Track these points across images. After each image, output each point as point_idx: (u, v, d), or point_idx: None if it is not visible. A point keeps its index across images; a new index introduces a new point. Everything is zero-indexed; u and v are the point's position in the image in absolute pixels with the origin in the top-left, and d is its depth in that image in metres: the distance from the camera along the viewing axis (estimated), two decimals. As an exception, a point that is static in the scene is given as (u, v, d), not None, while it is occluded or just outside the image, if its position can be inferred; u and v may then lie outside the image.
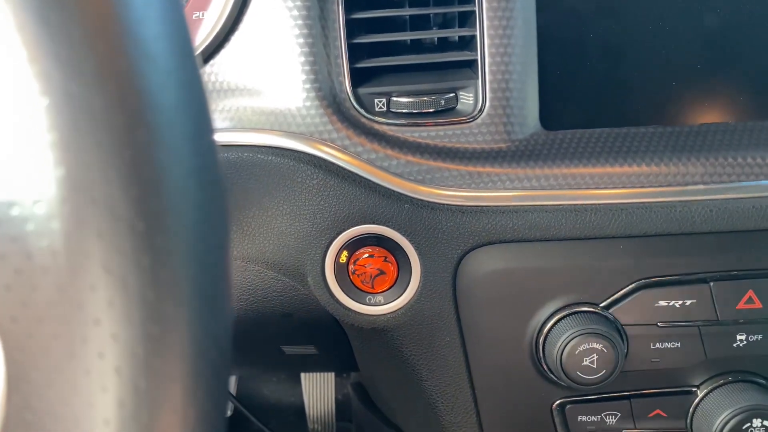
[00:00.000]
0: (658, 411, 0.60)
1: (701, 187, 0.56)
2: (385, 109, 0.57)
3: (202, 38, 0.58)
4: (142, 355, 0.23)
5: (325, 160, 0.56)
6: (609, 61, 0.58)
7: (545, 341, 0.57)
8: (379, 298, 0.59)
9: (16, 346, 0.23)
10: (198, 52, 0.58)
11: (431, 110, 0.57)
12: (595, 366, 0.55)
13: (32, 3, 0.21)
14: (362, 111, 0.57)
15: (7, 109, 0.22)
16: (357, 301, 0.59)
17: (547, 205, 0.56)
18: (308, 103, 0.56)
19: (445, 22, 0.60)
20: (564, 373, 0.55)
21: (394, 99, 0.57)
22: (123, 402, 0.23)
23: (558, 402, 0.61)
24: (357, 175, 0.56)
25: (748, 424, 0.55)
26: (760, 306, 0.56)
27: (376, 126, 0.57)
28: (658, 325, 0.57)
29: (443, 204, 0.56)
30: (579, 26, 0.58)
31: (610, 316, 0.57)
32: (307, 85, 0.56)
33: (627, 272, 0.57)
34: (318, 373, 1.06)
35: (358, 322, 0.60)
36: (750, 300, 0.56)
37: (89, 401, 0.23)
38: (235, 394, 1.10)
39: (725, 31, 0.58)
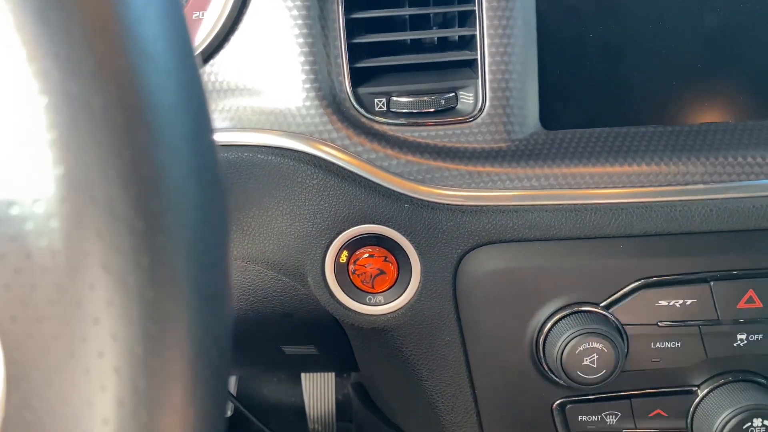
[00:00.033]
0: (658, 411, 0.60)
1: (701, 186, 0.56)
2: (385, 108, 0.57)
3: (201, 38, 0.58)
4: (142, 355, 0.23)
5: (325, 160, 0.56)
6: (609, 61, 0.58)
7: (545, 341, 0.57)
8: (379, 297, 0.59)
9: (15, 346, 0.23)
10: (198, 52, 0.58)
11: (431, 110, 0.57)
12: (595, 366, 0.55)
13: (32, 2, 0.21)
14: (362, 111, 0.57)
15: (7, 108, 0.22)
16: (357, 301, 0.59)
17: (547, 205, 0.56)
18: (308, 103, 0.56)
19: (445, 22, 0.60)
20: (564, 372, 0.55)
21: (394, 99, 0.57)
22: (122, 401, 0.23)
23: (558, 402, 0.60)
24: (357, 174, 0.56)
25: (749, 424, 0.55)
26: (761, 305, 0.56)
27: (376, 126, 0.57)
28: (658, 325, 0.57)
29: (443, 204, 0.56)
30: (579, 26, 0.58)
31: (610, 316, 0.57)
32: (307, 85, 0.56)
33: (627, 272, 0.57)
34: (318, 374, 1.06)
35: (358, 322, 0.60)
36: (750, 299, 0.56)
37: (89, 400, 0.23)
38: (235, 394, 1.10)
39: (725, 31, 0.58)
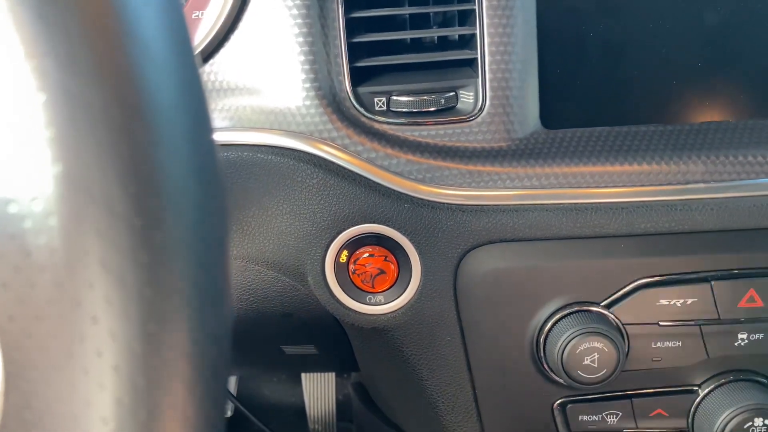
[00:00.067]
0: (659, 410, 0.60)
1: (702, 185, 0.56)
2: (385, 108, 0.57)
3: (201, 37, 0.58)
4: (141, 354, 0.23)
5: (324, 160, 0.56)
6: (609, 60, 0.58)
7: (546, 340, 0.57)
8: (380, 297, 0.59)
9: (14, 345, 0.23)
10: (197, 51, 0.58)
11: (431, 109, 0.57)
12: (596, 365, 0.55)
13: None
14: (362, 110, 0.57)
15: (5, 106, 0.22)
16: (357, 301, 0.59)
17: (547, 204, 0.56)
18: (308, 102, 0.56)
19: (445, 21, 0.60)
20: (565, 372, 0.55)
21: (394, 98, 0.57)
22: (121, 400, 0.23)
23: (559, 401, 0.60)
24: (357, 174, 0.56)
25: (750, 424, 0.55)
26: (762, 305, 0.56)
27: (376, 125, 0.57)
28: (659, 324, 0.57)
29: (443, 203, 0.56)
30: (579, 24, 0.58)
31: (611, 315, 0.57)
32: (307, 84, 0.56)
33: (628, 271, 0.57)
34: (318, 374, 1.06)
35: (358, 321, 0.60)
36: (751, 299, 0.56)
37: (87, 400, 0.23)
38: (235, 395, 1.10)
39: (726, 30, 0.58)
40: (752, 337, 0.57)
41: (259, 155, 0.57)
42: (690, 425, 0.59)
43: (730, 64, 0.58)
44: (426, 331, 0.60)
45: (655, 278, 0.56)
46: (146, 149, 0.23)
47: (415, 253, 0.57)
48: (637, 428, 0.60)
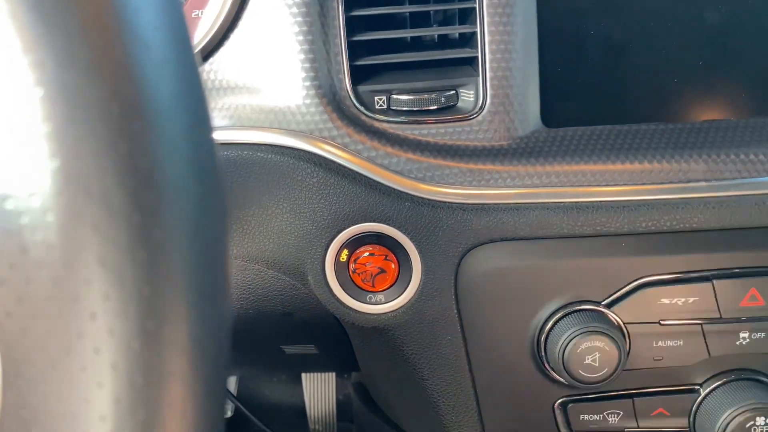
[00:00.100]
0: (660, 410, 0.59)
1: (703, 184, 0.56)
2: (385, 106, 0.57)
3: (201, 36, 0.58)
4: (139, 351, 0.23)
5: (325, 158, 0.56)
6: (610, 58, 0.58)
7: (547, 340, 0.57)
8: (380, 296, 0.59)
9: (11, 343, 0.23)
10: (197, 50, 0.58)
11: (432, 108, 0.57)
12: (597, 364, 0.55)
13: None
14: (362, 109, 0.57)
15: (2, 100, 0.21)
16: (357, 300, 0.59)
17: (548, 203, 0.56)
18: (308, 101, 0.56)
19: (446, 19, 0.60)
20: (566, 371, 0.55)
21: (395, 96, 0.57)
22: (119, 398, 0.23)
23: (560, 401, 0.60)
24: (357, 173, 0.56)
25: (752, 423, 0.55)
26: (763, 303, 0.56)
27: (377, 124, 0.57)
28: (660, 324, 0.57)
29: (444, 202, 0.56)
30: (580, 23, 0.58)
31: (612, 315, 0.56)
32: (307, 83, 0.56)
33: (629, 270, 0.56)
34: (319, 374, 1.06)
35: (358, 321, 0.60)
36: (753, 297, 0.56)
37: (85, 397, 0.23)
38: (235, 395, 1.10)
39: (727, 28, 0.58)
40: (754, 336, 0.57)
41: (259, 154, 0.57)
42: (691, 425, 0.59)
43: (731, 62, 0.58)
44: (426, 330, 0.60)
45: (657, 277, 0.56)
46: (145, 145, 0.22)
47: (416, 252, 0.57)
48: (638, 428, 0.60)
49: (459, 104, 0.57)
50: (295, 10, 0.56)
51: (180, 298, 0.23)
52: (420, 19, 0.59)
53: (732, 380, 0.58)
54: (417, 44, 0.59)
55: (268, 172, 0.57)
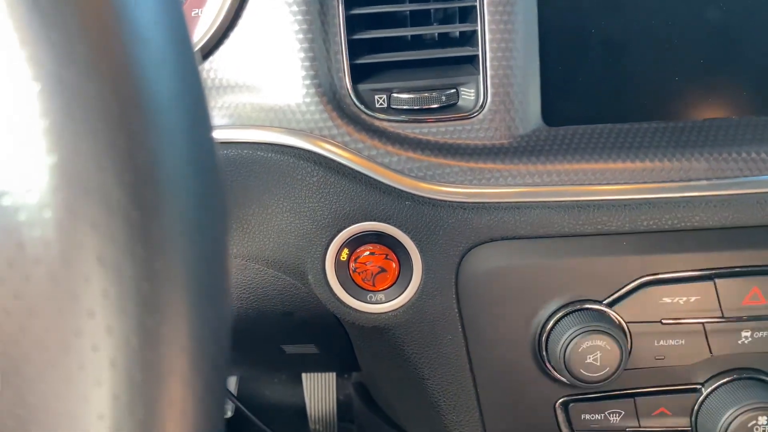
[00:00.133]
0: (662, 409, 0.59)
1: (705, 182, 0.55)
2: (385, 105, 0.57)
3: (200, 35, 0.58)
4: (138, 348, 0.22)
5: (325, 157, 0.56)
6: (611, 56, 0.58)
7: (548, 339, 0.57)
8: (381, 296, 0.58)
9: (7, 340, 0.23)
10: (196, 49, 0.58)
11: (432, 106, 0.57)
12: (598, 364, 0.55)
13: None
14: (362, 107, 0.57)
15: (-2, 95, 0.21)
16: (358, 299, 0.59)
17: (549, 202, 0.56)
18: (308, 100, 0.56)
19: (446, 18, 0.59)
20: (567, 370, 0.55)
21: (395, 95, 0.57)
22: (118, 396, 0.22)
23: (561, 400, 0.60)
24: (357, 171, 0.56)
25: (754, 422, 0.55)
26: (765, 302, 0.56)
27: (377, 122, 0.57)
28: (662, 323, 0.56)
29: (445, 201, 0.56)
30: (581, 21, 0.57)
31: (613, 314, 0.56)
32: (307, 82, 0.56)
33: (630, 269, 0.56)
34: (319, 374, 1.06)
35: (359, 320, 0.60)
36: (755, 296, 0.56)
37: (84, 395, 0.22)
38: (236, 395, 1.10)
39: (729, 26, 0.58)
40: (756, 335, 0.56)
41: (258, 153, 0.57)
42: (693, 424, 0.59)
43: (733, 60, 0.58)
44: (427, 329, 0.60)
45: (658, 276, 0.56)
46: (144, 141, 0.22)
47: (416, 251, 0.57)
48: (639, 427, 0.60)
49: (459, 103, 0.57)
50: (295, 8, 0.55)
51: (179, 295, 0.23)
52: (420, 18, 0.59)
53: (734, 379, 0.58)
54: (417, 43, 0.59)
55: (268, 171, 0.57)
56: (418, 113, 0.57)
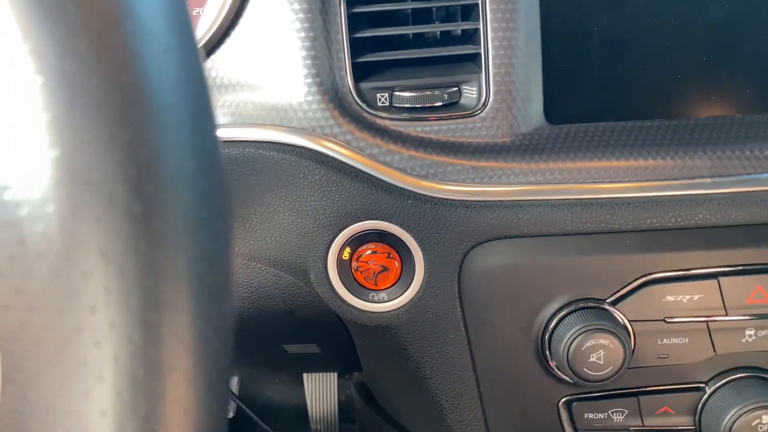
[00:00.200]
0: (666, 408, 0.59)
1: (708, 180, 0.55)
2: (387, 103, 0.57)
3: (202, 33, 0.57)
4: (140, 343, 0.22)
5: (327, 156, 0.56)
6: (614, 54, 0.58)
7: (551, 338, 0.57)
8: (383, 294, 0.58)
9: (9, 336, 0.23)
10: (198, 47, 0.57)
11: (434, 104, 0.56)
12: (602, 362, 0.54)
13: None
14: (364, 106, 0.57)
15: (1, 89, 0.21)
16: (360, 298, 0.58)
17: (552, 200, 0.55)
18: (310, 98, 0.56)
19: (448, 16, 0.59)
20: (571, 369, 0.55)
21: (397, 93, 0.56)
22: (120, 392, 0.22)
23: (564, 399, 0.60)
24: (359, 170, 0.56)
25: (758, 421, 0.55)
26: (769, 300, 0.56)
27: (379, 121, 0.57)
28: (665, 321, 0.56)
29: (447, 199, 0.56)
30: (583, 19, 0.57)
31: (616, 312, 0.56)
32: (309, 80, 0.56)
33: (634, 267, 0.56)
34: (321, 374, 1.05)
35: (361, 319, 0.59)
36: (759, 295, 0.56)
37: (85, 392, 0.22)
38: (237, 395, 1.10)
39: (731, 23, 0.57)
40: (760, 333, 0.56)
41: (260, 151, 0.57)
42: (697, 423, 0.59)
43: (736, 58, 0.58)
44: (429, 328, 0.59)
45: (662, 274, 0.56)
46: (146, 134, 0.22)
47: (419, 250, 0.57)
48: (643, 426, 0.59)
49: (462, 101, 0.57)
50: (296, 6, 0.55)
51: (182, 290, 0.23)
52: (422, 16, 0.59)
53: (738, 378, 0.58)
54: (419, 41, 0.59)
55: (269, 169, 0.57)
56: (420, 111, 0.57)
